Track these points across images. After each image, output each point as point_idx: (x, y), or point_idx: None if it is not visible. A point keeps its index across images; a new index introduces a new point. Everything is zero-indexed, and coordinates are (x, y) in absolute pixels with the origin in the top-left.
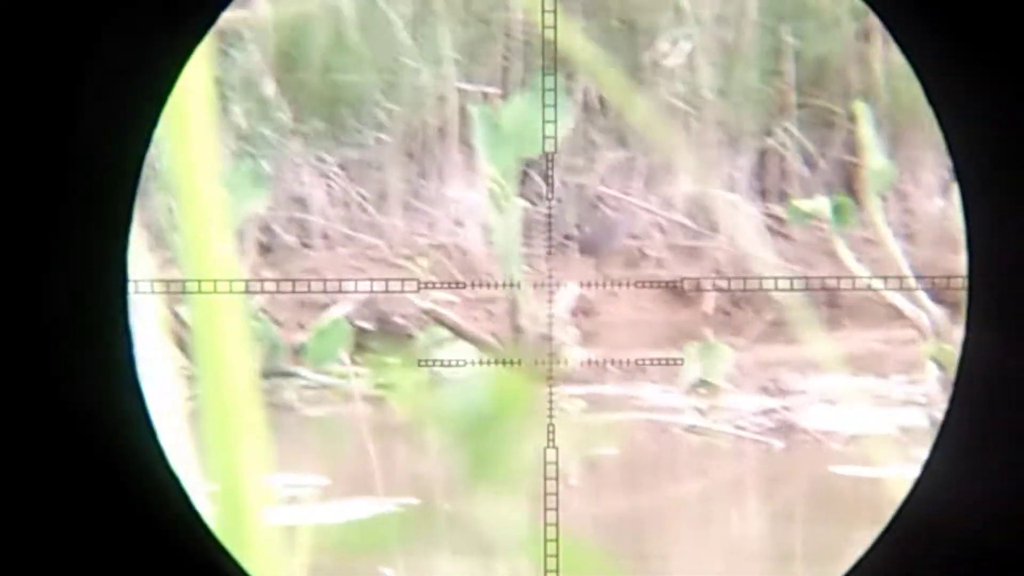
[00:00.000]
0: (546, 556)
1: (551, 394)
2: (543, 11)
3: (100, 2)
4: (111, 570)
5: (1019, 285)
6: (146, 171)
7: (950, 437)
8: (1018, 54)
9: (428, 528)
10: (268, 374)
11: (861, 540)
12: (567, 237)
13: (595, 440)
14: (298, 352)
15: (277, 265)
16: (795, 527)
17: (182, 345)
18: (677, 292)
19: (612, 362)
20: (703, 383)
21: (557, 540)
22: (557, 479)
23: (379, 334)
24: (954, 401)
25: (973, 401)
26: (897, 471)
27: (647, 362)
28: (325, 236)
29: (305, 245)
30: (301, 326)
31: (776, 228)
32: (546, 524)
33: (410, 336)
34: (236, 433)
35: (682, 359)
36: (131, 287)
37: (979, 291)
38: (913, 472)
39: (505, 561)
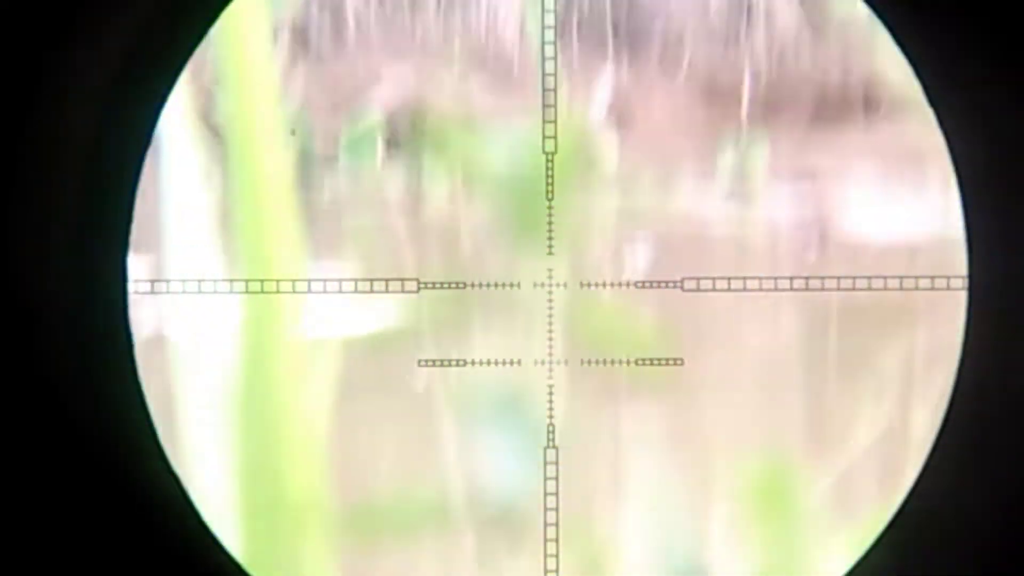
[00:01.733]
0: (546, 556)
1: (551, 393)
2: None
3: (98, 4)
4: (111, 570)
5: (1019, 285)
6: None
7: (950, 437)
8: (1018, 54)
9: (463, 310)
10: (301, 180)
11: (894, 350)
12: (602, 36)
13: (627, 244)
14: (331, 158)
15: (309, 65)
16: (829, 335)
17: (213, 139)
18: (713, 90)
19: (647, 163)
20: (739, 183)
21: (557, 540)
22: (557, 479)
23: (413, 137)
24: (954, 400)
25: (973, 401)
26: (937, 279)
27: (681, 163)
28: (359, 36)
29: (338, 43)
30: (334, 131)
31: (817, 23)
32: (546, 524)
33: (443, 139)
34: (270, 233)
35: (718, 159)
36: (131, 287)
37: (979, 291)
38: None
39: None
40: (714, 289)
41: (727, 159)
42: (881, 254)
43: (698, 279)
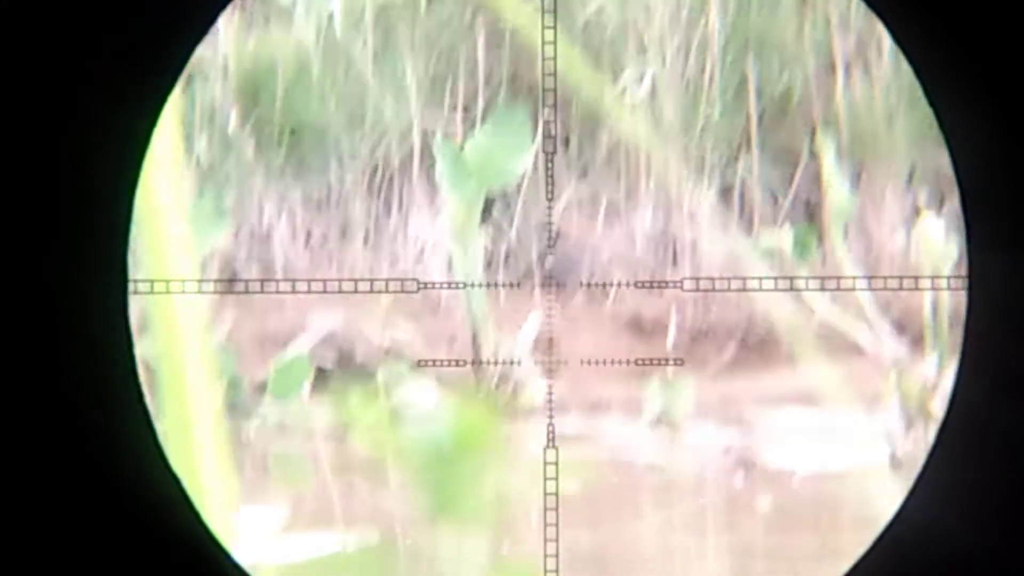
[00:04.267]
0: (546, 556)
1: (551, 394)
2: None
3: (100, 6)
4: (111, 570)
5: (1019, 285)
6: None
7: (950, 437)
8: (1018, 54)
9: (388, 564)
10: (230, 410)
11: None
12: (529, 271)
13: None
14: (259, 388)
15: (239, 302)
16: (756, 562)
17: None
18: (639, 326)
19: (574, 396)
20: (664, 418)
21: (557, 540)
22: (557, 479)
23: (339, 370)
24: (954, 401)
25: (972, 402)
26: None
27: (609, 398)
28: (287, 271)
29: (266, 280)
30: (262, 363)
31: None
32: (546, 524)
33: (370, 372)
34: (201, 469)
35: (644, 395)
36: (131, 287)
37: (979, 291)
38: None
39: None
40: (714, 289)
41: (654, 390)
42: (807, 480)
43: (697, 279)
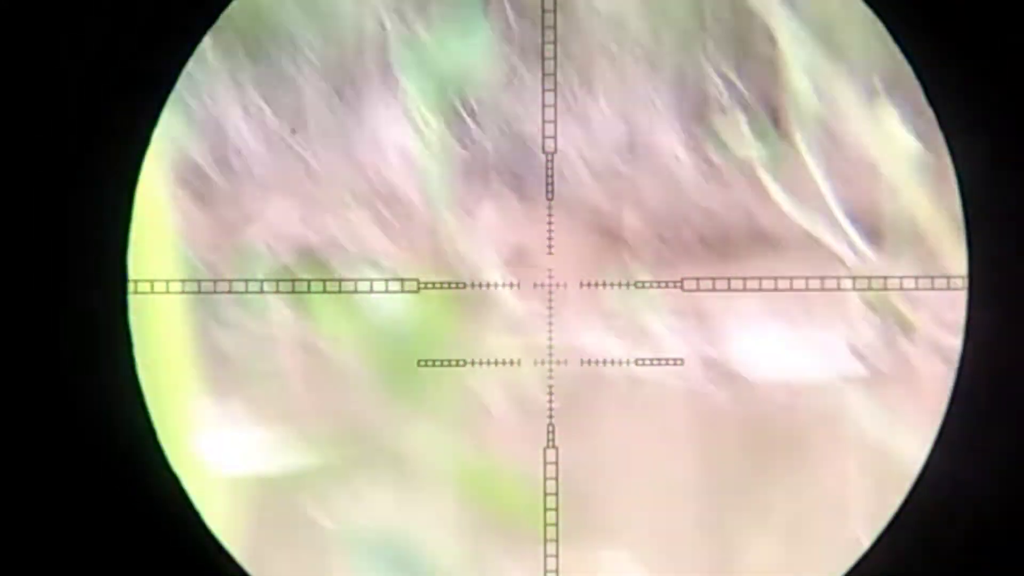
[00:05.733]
0: (546, 556)
1: (551, 395)
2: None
3: (100, 5)
4: (111, 569)
5: (1019, 285)
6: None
7: (950, 437)
8: (1017, 54)
9: (364, 469)
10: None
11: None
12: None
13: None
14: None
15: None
16: (727, 465)
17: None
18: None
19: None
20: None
21: (557, 540)
22: (557, 479)
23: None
24: (954, 400)
25: (973, 399)
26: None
27: None
28: (251, 174)
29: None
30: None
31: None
32: (546, 524)
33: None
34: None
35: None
36: (131, 287)
37: (979, 291)
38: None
39: (434, 490)
40: (714, 289)
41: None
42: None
43: (698, 279)
